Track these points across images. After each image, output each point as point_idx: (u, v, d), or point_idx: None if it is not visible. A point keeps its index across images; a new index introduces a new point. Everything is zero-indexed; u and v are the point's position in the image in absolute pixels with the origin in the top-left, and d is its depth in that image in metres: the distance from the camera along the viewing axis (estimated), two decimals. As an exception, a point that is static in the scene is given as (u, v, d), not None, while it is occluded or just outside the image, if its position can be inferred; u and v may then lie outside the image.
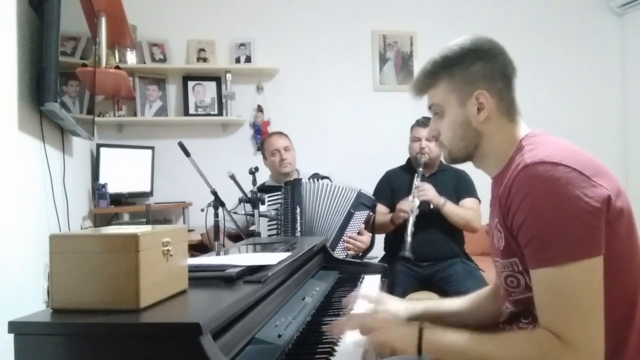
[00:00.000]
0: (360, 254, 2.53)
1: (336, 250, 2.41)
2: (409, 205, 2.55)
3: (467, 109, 1.10)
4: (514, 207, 0.98)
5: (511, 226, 1.01)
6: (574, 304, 0.91)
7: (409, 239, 2.48)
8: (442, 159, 2.80)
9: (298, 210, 2.51)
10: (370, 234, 2.55)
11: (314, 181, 2.53)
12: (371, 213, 2.53)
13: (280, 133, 2.90)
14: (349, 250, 2.46)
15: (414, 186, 2.62)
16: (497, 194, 1.07)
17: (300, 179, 2.62)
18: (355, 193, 2.49)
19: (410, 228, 2.51)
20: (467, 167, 2.76)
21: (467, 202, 2.71)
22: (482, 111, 1.09)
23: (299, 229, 2.49)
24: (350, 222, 2.47)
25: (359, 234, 2.48)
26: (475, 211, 2.69)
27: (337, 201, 2.49)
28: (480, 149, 1.13)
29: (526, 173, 0.97)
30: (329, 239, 2.40)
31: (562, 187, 0.93)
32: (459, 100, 1.10)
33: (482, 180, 2.68)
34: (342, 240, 2.46)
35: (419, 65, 3.88)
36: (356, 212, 2.48)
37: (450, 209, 2.61)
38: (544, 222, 0.93)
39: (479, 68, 1.09)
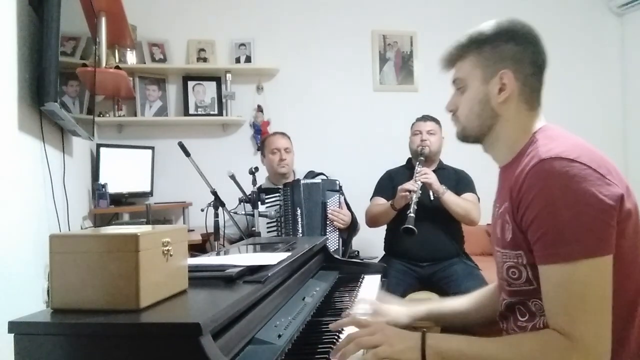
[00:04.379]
0: (346, 229, 2.67)
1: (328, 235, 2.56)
2: (411, 186, 2.54)
3: (489, 87, 1.09)
4: (526, 202, 0.97)
5: (521, 220, 1.00)
6: (583, 302, 0.91)
7: (412, 214, 2.46)
8: (441, 156, 2.84)
9: (299, 211, 2.53)
10: (349, 212, 2.70)
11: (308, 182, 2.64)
12: (340, 195, 2.69)
13: (283, 134, 2.92)
14: (334, 221, 2.61)
15: (415, 172, 2.62)
16: (507, 185, 1.06)
17: (299, 180, 2.63)
18: (320, 183, 2.64)
19: (413, 206, 2.49)
20: (467, 168, 2.79)
21: (467, 196, 2.71)
22: (503, 92, 1.08)
23: (300, 230, 2.51)
24: (328, 211, 2.61)
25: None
26: (475, 204, 2.69)
27: (315, 196, 2.61)
28: (493, 132, 1.12)
29: (541, 168, 0.96)
30: (315, 230, 2.55)
31: (578, 184, 0.92)
32: (482, 76, 1.10)
33: (482, 180, 2.66)
34: (327, 223, 2.59)
35: (419, 65, 3.89)
36: (327, 201, 2.62)
37: (450, 197, 2.61)
38: (557, 218, 0.92)
39: (509, 49, 1.09)
